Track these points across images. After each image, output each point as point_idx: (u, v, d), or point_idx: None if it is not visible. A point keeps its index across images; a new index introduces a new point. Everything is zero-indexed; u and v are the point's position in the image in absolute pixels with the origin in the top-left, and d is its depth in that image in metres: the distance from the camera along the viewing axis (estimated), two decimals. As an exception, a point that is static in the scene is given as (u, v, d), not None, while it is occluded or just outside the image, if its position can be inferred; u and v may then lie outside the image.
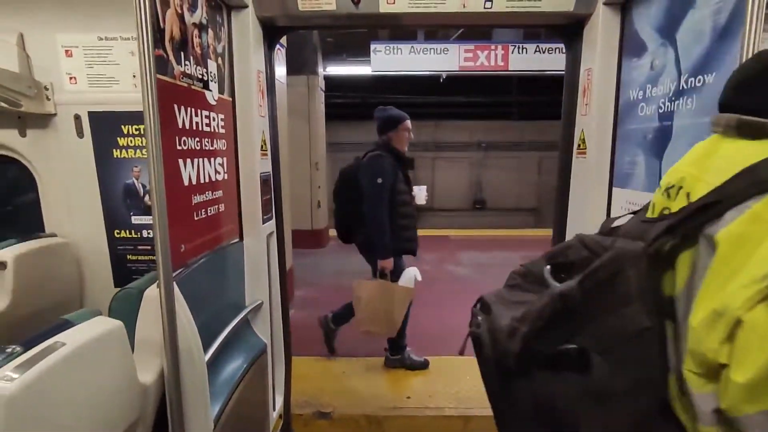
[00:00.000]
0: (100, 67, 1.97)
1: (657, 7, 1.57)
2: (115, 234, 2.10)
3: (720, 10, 1.30)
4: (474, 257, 6.56)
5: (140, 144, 2.02)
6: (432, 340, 3.60)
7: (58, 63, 1.94)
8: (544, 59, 6.01)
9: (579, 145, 1.94)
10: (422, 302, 4.54)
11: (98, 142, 2.01)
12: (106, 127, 2.01)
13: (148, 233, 2.12)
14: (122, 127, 2.01)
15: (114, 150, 2.03)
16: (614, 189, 1.82)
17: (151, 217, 2.05)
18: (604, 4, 1.76)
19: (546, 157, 12.56)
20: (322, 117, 7.25)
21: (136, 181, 2.07)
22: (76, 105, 1.98)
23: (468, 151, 13.11)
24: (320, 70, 7.20)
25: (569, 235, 2.06)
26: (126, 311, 1.31)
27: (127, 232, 2.11)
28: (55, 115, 1.98)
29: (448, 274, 5.74)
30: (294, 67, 6.65)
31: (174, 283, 1.24)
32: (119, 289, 1.38)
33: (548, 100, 11.17)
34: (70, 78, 1.98)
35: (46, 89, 1.96)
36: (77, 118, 1.99)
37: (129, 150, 2.04)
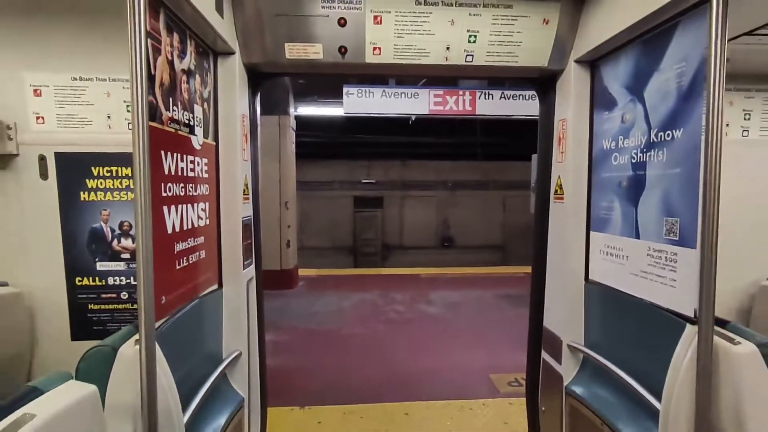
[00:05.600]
0: (72, 107, 1.91)
1: (624, 68, 1.70)
2: (77, 282, 1.96)
3: (683, 74, 1.42)
4: (445, 296, 6.50)
5: (111, 186, 1.93)
6: (409, 384, 3.51)
7: (25, 102, 1.86)
8: (508, 105, 6.38)
9: (556, 191, 2.03)
10: (397, 344, 4.48)
11: (64, 184, 1.91)
12: (74, 169, 1.92)
13: (114, 280, 1.99)
14: (92, 168, 1.92)
15: (81, 192, 1.93)
16: (592, 233, 1.91)
17: (116, 263, 1.95)
18: (575, 61, 1.89)
19: (510, 195, 13.02)
20: (293, 156, 7.27)
21: (104, 225, 1.96)
22: (42, 145, 1.88)
23: (436, 190, 13.60)
24: (291, 110, 7.28)
25: (549, 276, 2.10)
26: (96, 372, 1.19)
27: (91, 279, 1.97)
28: (16, 155, 1.87)
29: (421, 313, 5.71)
30: (266, 107, 6.71)
31: (155, 341, 1.15)
32: (92, 346, 1.25)
33: (510, 142, 11.74)
34: (38, 118, 1.89)
35: (9, 128, 1.86)
36: (42, 158, 1.89)
37: (98, 192, 1.94)
